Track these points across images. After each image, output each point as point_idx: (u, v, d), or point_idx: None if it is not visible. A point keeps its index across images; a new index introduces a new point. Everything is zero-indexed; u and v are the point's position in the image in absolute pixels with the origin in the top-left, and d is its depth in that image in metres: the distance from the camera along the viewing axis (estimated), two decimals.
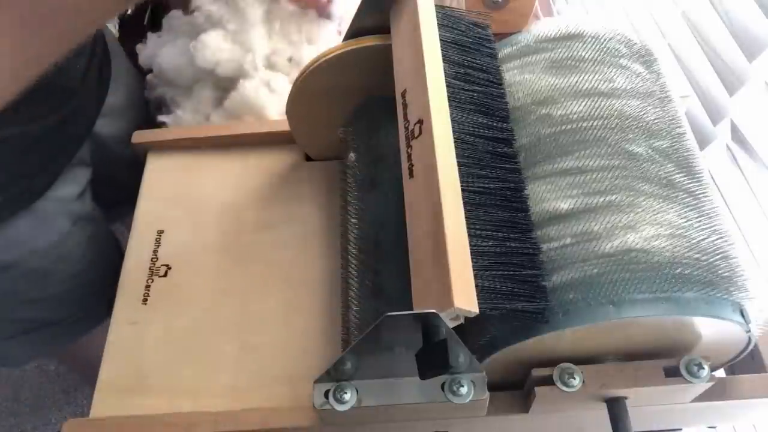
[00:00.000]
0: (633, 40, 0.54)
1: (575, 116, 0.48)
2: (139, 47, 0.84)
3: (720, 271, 0.42)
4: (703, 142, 0.71)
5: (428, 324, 0.38)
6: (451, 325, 0.38)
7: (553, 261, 0.43)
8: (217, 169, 0.64)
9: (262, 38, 0.75)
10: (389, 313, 0.37)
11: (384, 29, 0.55)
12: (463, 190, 0.42)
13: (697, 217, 0.44)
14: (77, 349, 0.83)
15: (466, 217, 0.41)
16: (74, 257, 0.72)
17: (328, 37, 0.76)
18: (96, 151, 0.72)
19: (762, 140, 0.66)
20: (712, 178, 0.68)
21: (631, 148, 0.46)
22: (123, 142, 0.72)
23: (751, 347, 0.47)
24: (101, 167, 0.74)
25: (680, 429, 0.58)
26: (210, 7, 0.77)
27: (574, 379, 0.44)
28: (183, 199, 0.66)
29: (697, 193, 0.46)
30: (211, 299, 0.59)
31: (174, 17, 0.82)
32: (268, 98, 0.74)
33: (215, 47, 0.75)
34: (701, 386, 0.44)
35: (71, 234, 0.70)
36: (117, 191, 0.74)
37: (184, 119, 0.78)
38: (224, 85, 0.77)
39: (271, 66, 0.76)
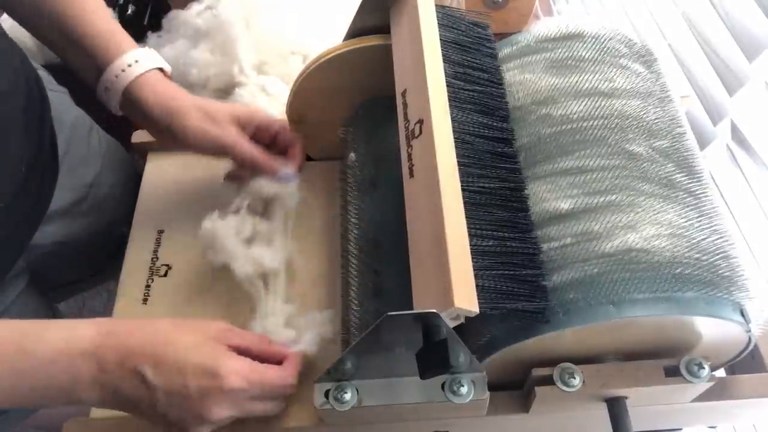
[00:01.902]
0: (633, 40, 0.54)
1: (575, 116, 0.48)
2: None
3: (720, 271, 0.42)
4: (703, 142, 0.71)
5: (428, 324, 0.38)
6: (452, 324, 0.38)
7: (553, 261, 0.43)
8: (218, 169, 0.64)
9: (248, 46, 0.75)
10: (389, 313, 0.37)
11: (384, 29, 0.55)
12: (463, 190, 0.42)
13: (697, 217, 0.44)
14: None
15: (466, 217, 0.41)
16: None
17: None
18: (35, 259, 0.65)
19: (762, 140, 0.66)
20: (712, 178, 0.68)
21: (631, 148, 0.46)
22: (65, 243, 0.68)
23: (751, 347, 0.47)
24: (41, 266, 0.67)
25: (680, 429, 0.58)
26: (196, 20, 0.78)
27: (575, 378, 0.44)
28: (183, 199, 0.66)
29: (697, 192, 0.46)
30: (212, 299, 0.59)
31: (174, 17, 0.82)
32: (265, 102, 0.74)
33: (203, 64, 0.75)
34: (701, 386, 0.44)
35: None
36: (63, 276, 0.72)
37: None
38: (223, 88, 0.77)
39: (263, 72, 0.76)
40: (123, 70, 0.54)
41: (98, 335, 0.43)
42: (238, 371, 0.44)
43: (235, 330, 0.48)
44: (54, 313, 0.71)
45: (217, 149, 0.57)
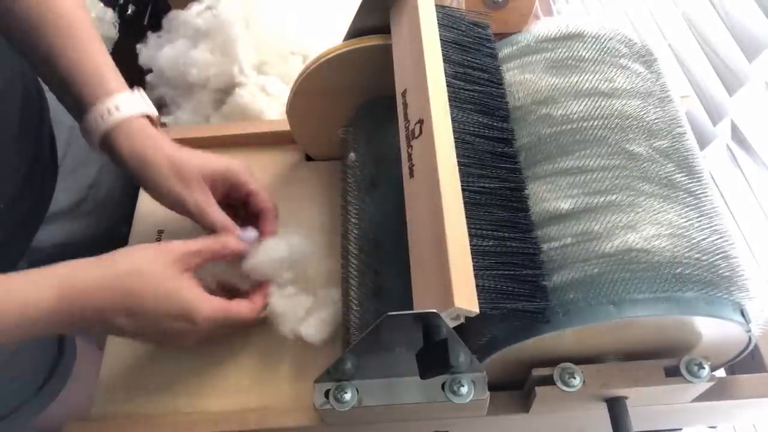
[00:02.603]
0: (633, 40, 0.54)
1: (576, 116, 0.48)
2: (139, 47, 0.84)
3: (720, 271, 0.42)
4: (703, 142, 0.71)
5: (429, 324, 0.38)
6: (452, 324, 0.38)
7: (553, 261, 0.43)
8: None
9: (248, 46, 0.75)
10: (390, 313, 0.37)
11: (384, 29, 0.55)
12: (463, 190, 0.42)
13: (697, 217, 0.44)
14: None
15: (466, 217, 0.41)
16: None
17: None
18: (36, 261, 0.67)
19: (762, 140, 0.66)
20: (712, 178, 0.68)
21: (631, 148, 0.46)
22: (66, 244, 0.67)
23: (751, 347, 0.47)
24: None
25: (680, 429, 0.58)
26: (196, 20, 0.78)
27: (575, 378, 0.44)
28: None
29: (697, 192, 0.46)
30: None
31: (174, 17, 0.83)
32: (265, 102, 0.74)
33: (203, 64, 0.75)
34: (701, 386, 0.44)
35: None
36: None
37: (184, 119, 0.78)
38: (223, 89, 0.77)
39: (263, 72, 0.76)
40: (102, 117, 0.52)
41: (60, 302, 0.44)
42: (209, 316, 0.48)
43: (192, 248, 0.49)
44: None
45: (181, 211, 0.55)
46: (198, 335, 0.49)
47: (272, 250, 0.54)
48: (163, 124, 0.78)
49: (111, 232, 0.72)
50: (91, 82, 0.53)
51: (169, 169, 0.53)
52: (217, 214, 0.55)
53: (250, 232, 0.55)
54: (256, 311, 0.52)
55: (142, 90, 0.55)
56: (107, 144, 0.53)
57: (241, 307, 0.51)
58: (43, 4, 0.52)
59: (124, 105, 0.53)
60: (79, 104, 0.53)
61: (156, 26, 0.86)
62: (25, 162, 0.55)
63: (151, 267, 0.47)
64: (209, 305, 0.48)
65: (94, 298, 0.45)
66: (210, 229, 0.55)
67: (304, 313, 0.54)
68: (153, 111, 0.55)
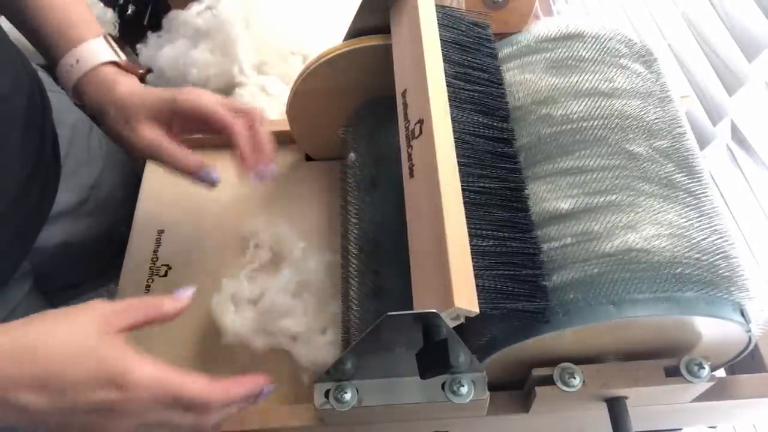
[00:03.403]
0: (633, 40, 0.54)
1: (575, 116, 0.48)
2: (139, 47, 0.84)
3: (720, 271, 0.42)
4: (703, 142, 0.71)
5: (429, 324, 0.38)
6: (452, 324, 0.38)
7: (553, 261, 0.43)
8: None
9: (248, 46, 0.75)
10: (389, 313, 0.37)
11: (384, 29, 0.55)
12: (463, 190, 0.42)
13: (697, 217, 0.44)
14: None
15: (466, 217, 0.41)
16: None
17: None
18: (39, 261, 0.63)
19: (762, 140, 0.66)
20: (712, 178, 0.68)
21: (631, 148, 0.46)
22: (68, 244, 0.66)
23: (751, 347, 0.47)
24: (45, 268, 0.65)
25: (680, 429, 0.58)
26: (196, 20, 0.78)
27: (575, 378, 0.44)
28: (183, 199, 0.66)
29: (697, 192, 0.46)
30: (210, 300, 0.59)
31: (174, 17, 0.83)
32: (265, 102, 0.74)
33: (203, 64, 0.75)
34: (701, 386, 0.44)
35: None
36: (67, 278, 0.71)
37: None
38: (222, 89, 0.77)
39: (263, 72, 0.76)
40: (67, 71, 0.54)
41: None
42: (145, 381, 0.36)
43: (116, 308, 0.39)
44: None
45: (136, 155, 0.53)
46: (133, 416, 0.37)
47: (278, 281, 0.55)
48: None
49: (111, 232, 0.72)
50: (57, 33, 0.54)
51: (115, 113, 0.52)
52: (169, 151, 0.52)
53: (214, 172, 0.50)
54: (214, 395, 0.39)
55: (107, 36, 0.56)
56: (78, 96, 0.55)
57: (196, 385, 0.38)
58: None
59: (85, 57, 0.53)
60: (49, 57, 0.55)
61: (156, 26, 0.86)
62: (28, 162, 0.55)
63: (69, 327, 0.37)
64: (146, 366, 0.37)
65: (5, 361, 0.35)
66: (174, 169, 0.53)
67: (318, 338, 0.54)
68: (115, 56, 0.55)
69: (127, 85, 0.53)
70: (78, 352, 0.36)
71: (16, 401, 0.35)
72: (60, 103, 0.66)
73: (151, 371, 0.37)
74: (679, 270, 0.41)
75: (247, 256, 0.60)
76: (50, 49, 0.55)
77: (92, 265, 0.74)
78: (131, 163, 0.78)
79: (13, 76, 0.54)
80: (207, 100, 0.52)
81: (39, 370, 0.35)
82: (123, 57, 0.55)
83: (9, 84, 0.53)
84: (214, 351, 0.56)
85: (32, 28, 0.54)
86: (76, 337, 0.37)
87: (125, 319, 0.39)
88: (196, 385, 0.38)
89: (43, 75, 0.65)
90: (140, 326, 0.40)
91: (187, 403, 0.38)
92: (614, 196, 0.44)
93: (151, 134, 0.52)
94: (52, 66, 0.56)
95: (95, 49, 0.54)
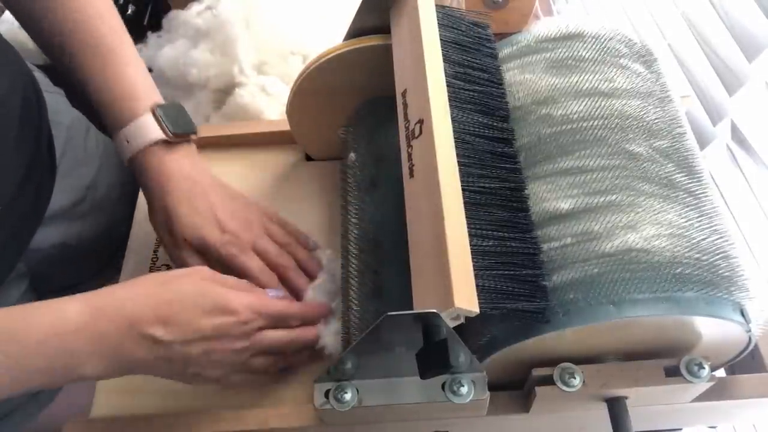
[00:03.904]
0: (633, 40, 0.54)
1: (575, 116, 0.48)
2: (139, 47, 0.84)
3: (720, 271, 0.42)
4: (703, 142, 0.71)
5: (429, 324, 0.38)
6: (452, 324, 0.38)
7: (553, 261, 0.43)
8: (218, 169, 0.64)
9: (248, 46, 0.75)
10: (389, 313, 0.37)
11: (384, 29, 0.55)
12: (463, 190, 0.42)
13: (697, 217, 0.44)
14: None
15: (466, 217, 0.41)
16: None
17: None
18: (35, 262, 0.65)
19: (762, 140, 0.66)
20: (712, 178, 0.68)
21: (631, 148, 0.46)
22: (65, 245, 0.67)
23: (751, 347, 0.47)
24: (42, 269, 0.66)
25: (680, 429, 0.58)
26: (196, 20, 0.78)
27: (575, 378, 0.44)
28: None
29: (697, 192, 0.46)
30: None
31: (174, 17, 0.83)
32: (265, 102, 0.74)
33: (203, 64, 0.75)
34: (701, 386, 0.44)
35: None
36: (63, 278, 0.70)
37: None
38: (222, 89, 0.77)
39: (263, 72, 0.76)
40: (121, 148, 0.54)
41: (87, 313, 0.42)
42: (248, 302, 0.46)
43: (218, 274, 0.49)
44: None
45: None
46: (240, 336, 0.46)
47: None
48: None
49: (110, 233, 0.72)
50: (112, 108, 0.54)
51: (164, 221, 0.54)
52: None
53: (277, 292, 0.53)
54: (309, 311, 0.52)
55: (155, 108, 0.54)
56: (133, 169, 0.56)
57: (285, 302, 0.51)
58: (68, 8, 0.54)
59: (134, 136, 0.53)
60: (109, 123, 0.55)
61: (156, 26, 0.86)
62: (23, 163, 0.55)
63: (184, 277, 0.46)
64: (245, 294, 0.47)
65: (121, 306, 0.43)
66: None
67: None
68: (162, 134, 0.53)
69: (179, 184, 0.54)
70: (195, 293, 0.45)
71: (145, 334, 0.43)
72: (56, 103, 0.66)
73: (244, 297, 0.47)
74: (679, 270, 0.41)
75: None
76: (107, 120, 0.55)
77: (90, 265, 0.74)
78: None
79: (9, 78, 0.54)
80: (244, 264, 0.53)
81: (166, 312, 0.43)
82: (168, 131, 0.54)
83: (6, 85, 0.53)
84: None
85: (91, 98, 0.55)
86: (192, 282, 0.46)
87: (228, 279, 0.49)
88: (280, 302, 0.50)
89: (39, 75, 0.65)
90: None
91: (277, 315, 0.49)
92: (614, 196, 0.44)
93: (189, 260, 0.54)
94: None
95: (145, 126, 0.54)
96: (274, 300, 0.50)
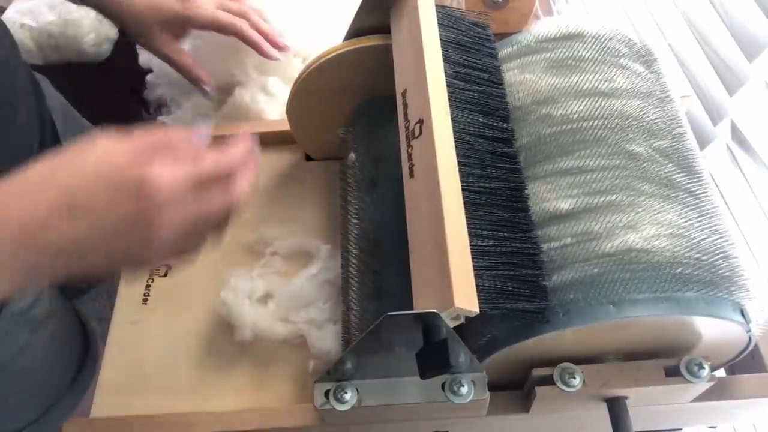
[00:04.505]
0: (633, 40, 0.54)
1: (575, 116, 0.48)
2: (139, 47, 0.84)
3: (720, 271, 0.42)
4: (703, 142, 0.71)
5: (429, 324, 0.38)
6: (452, 324, 0.38)
7: (553, 261, 0.43)
8: None
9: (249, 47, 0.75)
10: (389, 313, 0.37)
11: (384, 29, 0.55)
12: (463, 190, 0.42)
13: (697, 217, 0.44)
14: None
15: (466, 217, 0.41)
16: (36, 364, 0.65)
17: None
18: None
19: (762, 140, 0.66)
20: (712, 178, 0.68)
21: (631, 148, 0.46)
22: None
23: (751, 347, 0.47)
24: None
25: (680, 429, 0.58)
26: None
27: (575, 378, 0.44)
28: None
29: (697, 192, 0.46)
30: (211, 299, 0.59)
31: None
32: (266, 102, 0.74)
33: (203, 64, 0.75)
34: (701, 386, 0.44)
35: (30, 343, 0.62)
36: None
37: (184, 119, 0.78)
38: (223, 89, 0.77)
39: (263, 72, 0.76)
40: None
41: None
42: (171, 173, 0.35)
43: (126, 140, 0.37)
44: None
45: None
46: (167, 222, 0.35)
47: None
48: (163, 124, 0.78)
49: None
50: None
51: (132, 25, 0.63)
52: (181, 60, 0.66)
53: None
54: (232, 157, 0.40)
55: None
56: (100, 9, 0.64)
57: (207, 161, 0.38)
58: None
59: None
60: None
61: None
62: (35, 139, 0.56)
63: (84, 155, 0.36)
64: (159, 172, 0.35)
65: (22, 200, 0.33)
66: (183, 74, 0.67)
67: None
68: None
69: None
70: (95, 171, 0.35)
71: (54, 236, 0.33)
72: (52, 102, 0.67)
73: (162, 174, 0.35)
74: (679, 270, 0.41)
75: (262, 261, 0.60)
76: None
77: None
78: None
79: (9, 51, 0.54)
80: (213, 14, 0.66)
81: (64, 191, 0.34)
82: None
83: (14, 59, 0.54)
84: (221, 349, 0.56)
85: None
86: (102, 152, 0.36)
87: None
88: (207, 160, 0.38)
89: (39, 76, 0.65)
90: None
91: (208, 177, 0.38)
92: (614, 196, 0.44)
93: (164, 45, 0.65)
94: None
95: None
96: (200, 164, 0.38)
